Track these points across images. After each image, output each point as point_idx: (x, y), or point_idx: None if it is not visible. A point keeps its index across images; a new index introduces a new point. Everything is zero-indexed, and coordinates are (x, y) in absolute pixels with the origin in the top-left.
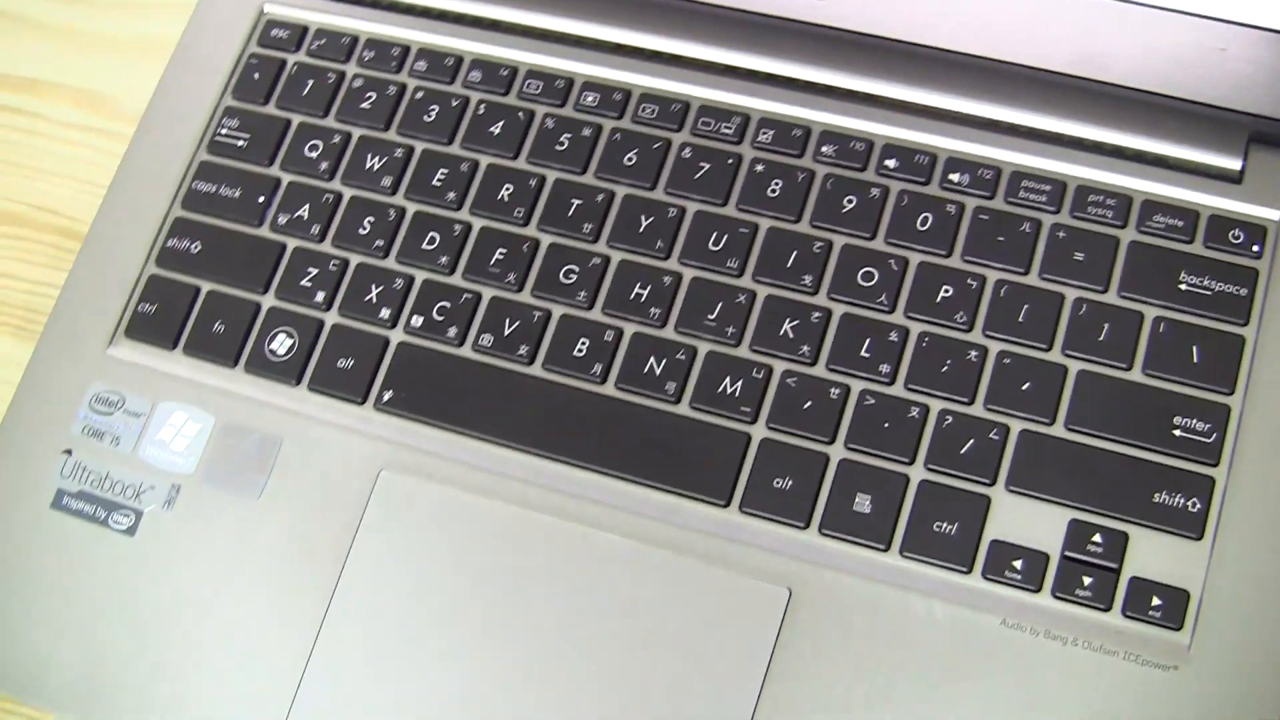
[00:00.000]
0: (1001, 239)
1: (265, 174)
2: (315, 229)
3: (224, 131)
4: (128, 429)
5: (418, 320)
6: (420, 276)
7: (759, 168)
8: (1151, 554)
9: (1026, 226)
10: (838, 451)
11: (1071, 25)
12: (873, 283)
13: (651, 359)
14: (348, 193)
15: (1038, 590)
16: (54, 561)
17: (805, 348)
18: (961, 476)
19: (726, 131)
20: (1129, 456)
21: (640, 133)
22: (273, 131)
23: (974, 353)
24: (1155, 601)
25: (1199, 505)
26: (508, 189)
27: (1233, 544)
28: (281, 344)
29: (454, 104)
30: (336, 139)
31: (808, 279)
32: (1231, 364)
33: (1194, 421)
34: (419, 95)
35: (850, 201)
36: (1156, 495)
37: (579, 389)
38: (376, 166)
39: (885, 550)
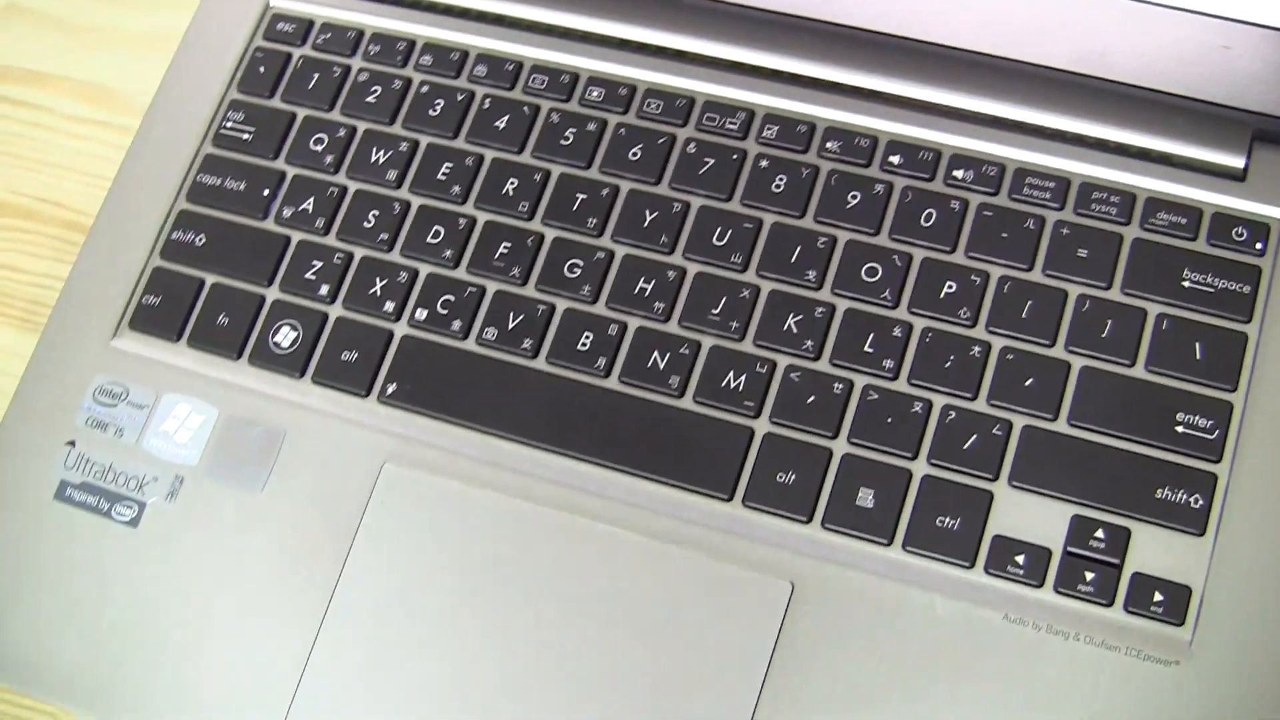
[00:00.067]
0: (1005, 235)
1: (270, 167)
2: (320, 222)
3: (229, 124)
4: (131, 421)
5: (422, 313)
6: (424, 270)
7: (763, 163)
8: (1154, 550)
9: (1030, 223)
10: (841, 446)
11: (1075, 22)
12: (876, 278)
13: (655, 353)
14: (352, 186)
15: (1040, 585)
16: (56, 553)
17: (809, 342)
18: (964, 472)
19: (731, 127)
20: (1131, 452)
21: (645, 128)
22: (278, 125)
23: (977, 348)
24: (1157, 597)
25: (1201, 501)
26: (512, 183)
27: (1235, 540)
28: (285, 336)
29: (459, 98)
30: (341, 133)
31: (812, 274)
32: (1234, 361)
33: (1196, 418)
34: (424, 90)
35: (854, 197)
36: (1159, 491)
37: (583, 383)
38: (381, 160)
39: (888, 545)
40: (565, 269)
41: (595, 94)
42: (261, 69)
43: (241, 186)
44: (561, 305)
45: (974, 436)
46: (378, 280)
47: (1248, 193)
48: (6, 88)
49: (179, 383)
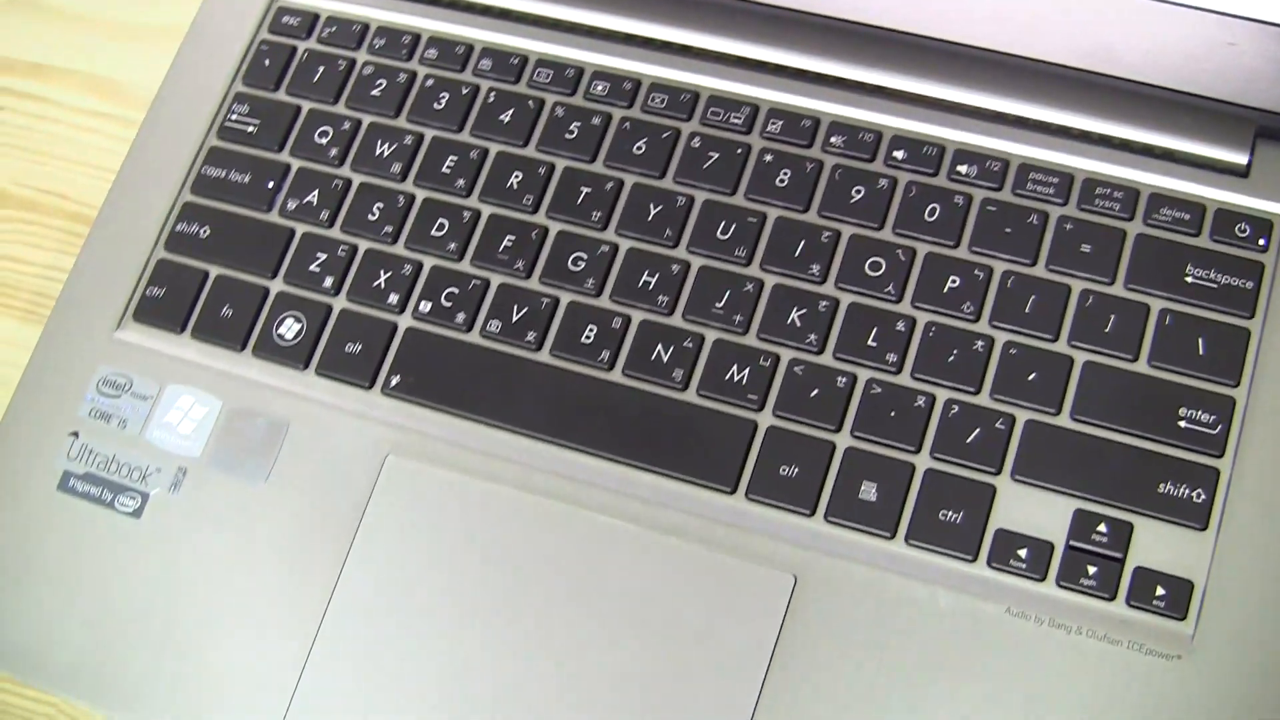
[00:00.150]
0: (1009, 230)
1: (275, 159)
2: (324, 214)
3: (234, 117)
4: (135, 412)
5: (426, 306)
6: (429, 262)
7: (768, 158)
8: (1156, 544)
9: (1034, 218)
10: (844, 439)
11: (1081, 19)
12: (880, 272)
13: (659, 346)
14: (357, 179)
15: (1042, 579)
16: (59, 543)
17: (812, 336)
18: (967, 465)
19: (735, 121)
20: (1134, 447)
21: (649, 122)
22: (283, 117)
23: (980, 343)
24: (1159, 591)
25: (1204, 496)
26: (517, 176)
27: (1237, 535)
28: (289, 328)
29: (464, 92)
30: (346, 125)
31: (815, 268)
32: (1237, 356)
33: (1199, 413)
34: (429, 83)
35: (858, 192)
36: (1161, 486)
37: (586, 375)
38: (386, 153)
39: (890, 538)
40: (569, 262)
41: (600, 88)
42: (266, 62)
43: (246, 179)
44: (565, 298)
45: (977, 430)
46: (382, 272)
47: (1251, 189)
48: (11, 80)
49: (183, 374)
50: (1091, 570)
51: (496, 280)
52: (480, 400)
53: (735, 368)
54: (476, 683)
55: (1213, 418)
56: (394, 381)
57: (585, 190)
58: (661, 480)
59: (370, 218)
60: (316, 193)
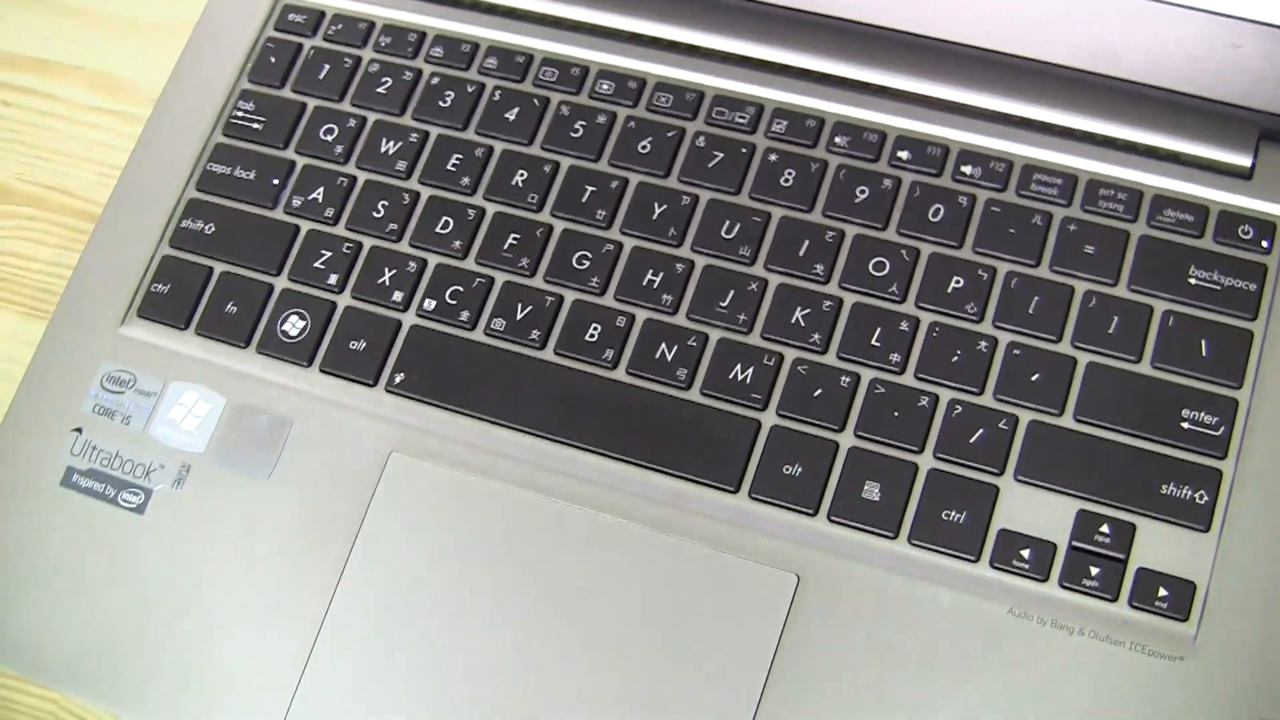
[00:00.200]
0: (1012, 231)
1: (280, 156)
2: (329, 211)
3: (239, 114)
4: (138, 408)
5: (430, 303)
6: (433, 260)
7: (772, 157)
8: (1159, 545)
9: (1038, 219)
10: (847, 439)
11: (1085, 21)
12: (884, 273)
13: (663, 345)
14: (362, 176)
15: (1045, 580)
16: (62, 539)
17: (816, 336)
18: (970, 466)
19: (740, 121)
20: (1137, 448)
21: (654, 121)
22: (288, 114)
23: (984, 343)
24: (1162, 592)
25: (1206, 497)
26: (522, 175)
27: (1239, 536)
28: (294, 325)
29: (469, 90)
30: (352, 123)
31: (819, 268)
32: (1240, 358)
33: (1202, 414)
34: (435, 81)
35: (863, 192)
36: (1164, 487)
37: (590, 374)
38: (391, 151)
39: (893, 538)
40: (574, 260)
41: (605, 87)
42: (272, 59)
43: (251, 175)
44: (570, 296)
45: (980, 431)
46: (386, 270)
47: (1254, 191)
48: (17, 76)
49: (187, 370)
50: (1094, 571)
51: (501, 278)
52: (484, 398)
53: (739, 367)
54: (479, 680)
55: (1215, 419)
56: (398, 379)
57: (590, 189)
58: (665, 479)
59: (375, 215)
60: (321, 190)
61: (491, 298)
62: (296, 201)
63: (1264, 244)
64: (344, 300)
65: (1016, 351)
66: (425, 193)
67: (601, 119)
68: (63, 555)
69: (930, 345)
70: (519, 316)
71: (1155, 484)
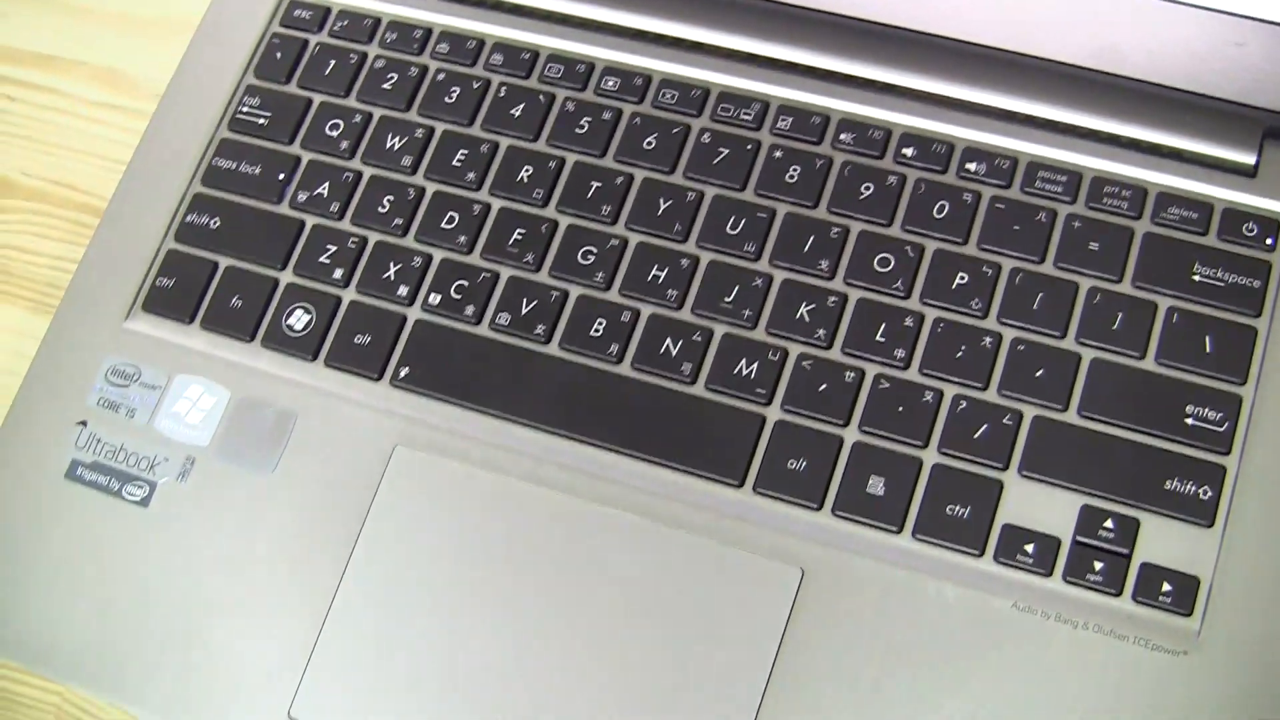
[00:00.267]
0: (1017, 228)
1: (286, 152)
2: (335, 207)
3: (245, 109)
4: (143, 401)
5: (435, 298)
6: (438, 255)
7: (777, 154)
8: (1162, 540)
9: (1042, 216)
10: (852, 434)
11: (1090, 19)
12: (889, 268)
13: (668, 340)
14: (367, 172)
15: (1049, 574)
16: (66, 532)
17: (821, 331)
18: (975, 461)
19: (746, 118)
20: (1141, 444)
21: (660, 117)
22: (294, 110)
23: (988, 339)
24: (1165, 587)
25: (1210, 493)
26: (527, 170)
27: (1243, 531)
28: (299, 319)
29: (475, 86)
30: (357, 118)
31: (824, 264)
32: (1244, 354)
33: (1206, 410)
34: (440, 77)
35: (868, 188)
36: (1168, 482)
37: (595, 368)
38: (397, 146)
39: (898, 532)
40: (579, 255)
41: (610, 83)
42: (278, 55)
43: (257, 170)
44: (575, 291)
45: (984, 426)
46: (391, 264)
47: (1259, 189)
48: (22, 71)
49: (191, 364)
50: (1098, 566)
51: (506, 273)
52: (489, 392)
53: (744, 362)
54: (482, 673)
55: (1219, 415)
56: (403, 373)
57: (595, 185)
58: (669, 473)
59: (380, 210)
60: (327, 185)
61: (497, 292)
62: (302, 196)
63: (1268, 241)
64: (349, 295)
65: (1021, 347)
66: (430, 188)
67: (607, 115)
68: (67, 548)
69: (935, 341)
70: (524, 311)
71: (1159, 479)
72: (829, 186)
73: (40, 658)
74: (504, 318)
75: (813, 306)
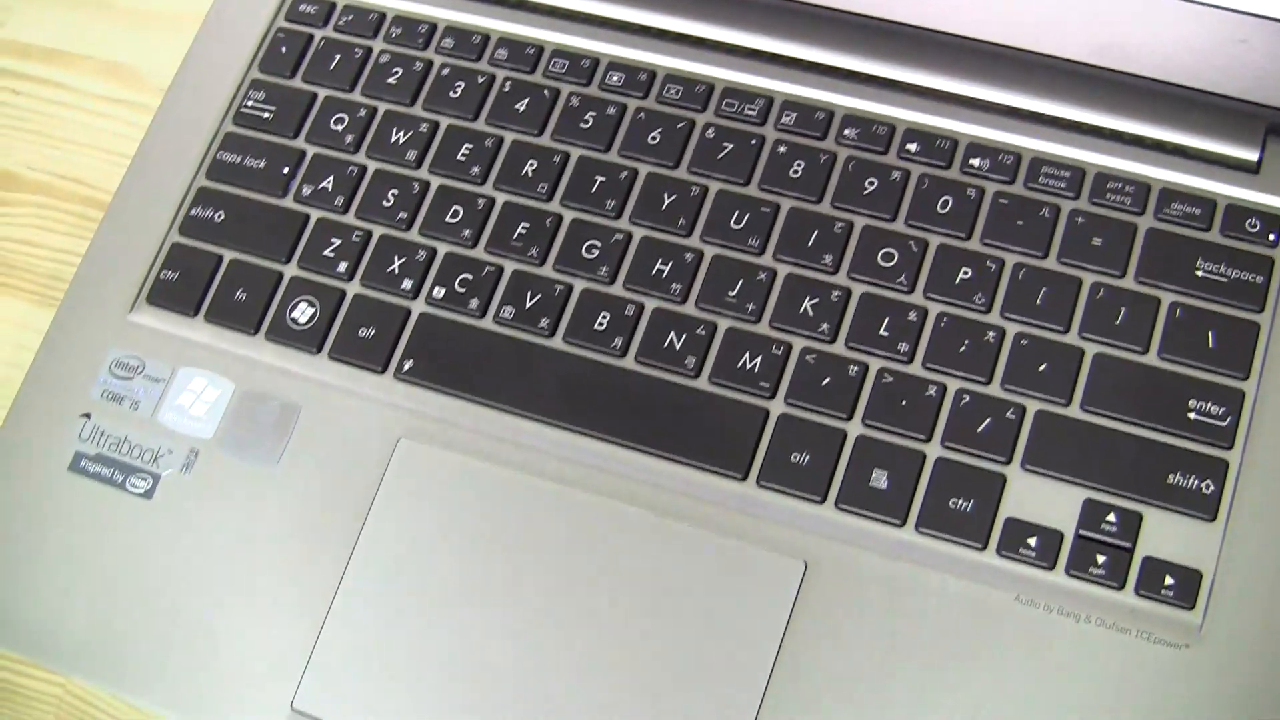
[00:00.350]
0: (1021, 223)
1: (290, 146)
2: (339, 200)
3: (250, 104)
4: (147, 394)
5: (439, 291)
6: (443, 249)
7: (781, 149)
8: (1165, 534)
9: (1045, 211)
10: (855, 428)
11: (1094, 15)
12: (893, 263)
13: (672, 333)
14: (372, 166)
15: (1052, 568)
16: (70, 523)
17: (825, 325)
18: (978, 455)
19: (750, 113)
20: (1144, 438)
21: (664, 113)
22: (299, 104)
23: (992, 333)
24: (1168, 581)
25: (1213, 487)
26: (531, 165)
27: (1245, 526)
28: (303, 312)
29: (480, 81)
30: (362, 113)
31: (828, 258)
32: (1246, 349)
33: (1208, 405)
34: (445, 72)
35: (871, 183)
36: (1171, 476)
37: (599, 362)
38: (401, 140)
39: (901, 526)
40: (583, 250)
41: (615, 78)
42: (283, 49)
43: (261, 164)
44: (579, 285)
45: (988, 420)
46: (396, 258)
47: (1261, 185)
48: (28, 65)
49: (195, 357)
50: (1100, 559)
51: (510, 267)
52: (493, 386)
53: (747, 356)
54: (486, 666)
55: (1222, 410)
56: (407, 366)
57: (599, 179)
58: (673, 466)
59: (385, 204)
60: (331, 179)
61: (501, 286)
62: (306, 190)
63: (1271, 237)
64: (353, 288)
65: (1024, 342)
66: (435, 182)
67: (611, 110)
68: (70, 539)
69: (938, 335)
70: (528, 305)
71: (1162, 474)
72: (833, 181)
73: (42, 649)
74: (508, 311)
75: (816, 301)
